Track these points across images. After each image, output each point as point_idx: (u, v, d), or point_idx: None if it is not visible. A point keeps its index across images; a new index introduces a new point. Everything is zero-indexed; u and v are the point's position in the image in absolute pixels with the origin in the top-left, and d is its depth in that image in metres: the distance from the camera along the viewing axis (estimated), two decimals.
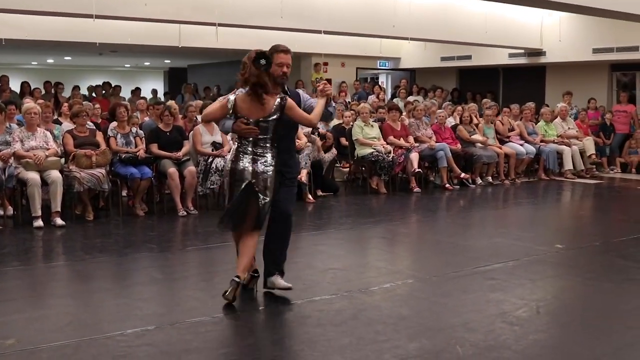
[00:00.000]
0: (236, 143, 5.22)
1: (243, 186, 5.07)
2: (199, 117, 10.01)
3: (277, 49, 5.20)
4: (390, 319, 4.75)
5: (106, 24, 12.65)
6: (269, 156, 5.12)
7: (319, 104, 5.33)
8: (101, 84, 17.26)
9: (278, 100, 5.10)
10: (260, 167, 5.08)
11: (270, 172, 5.10)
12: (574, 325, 4.80)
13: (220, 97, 5.54)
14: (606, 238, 7.83)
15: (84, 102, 11.09)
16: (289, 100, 5.17)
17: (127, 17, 11.76)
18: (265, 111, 5.07)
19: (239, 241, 5.23)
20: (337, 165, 11.94)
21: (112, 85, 16.99)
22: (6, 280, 5.90)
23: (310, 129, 10.20)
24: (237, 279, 4.97)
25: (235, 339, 4.52)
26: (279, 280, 5.32)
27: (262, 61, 4.98)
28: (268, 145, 5.14)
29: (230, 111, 5.10)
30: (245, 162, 5.10)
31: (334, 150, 11.01)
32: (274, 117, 5.10)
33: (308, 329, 4.69)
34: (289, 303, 5.17)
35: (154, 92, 18.98)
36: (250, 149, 5.12)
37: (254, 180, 5.05)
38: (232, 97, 5.14)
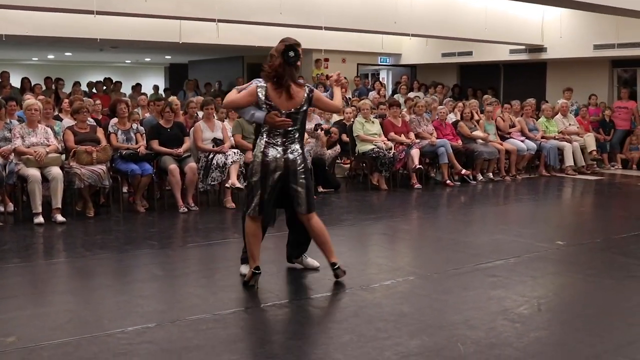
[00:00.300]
0: (264, 135, 5.26)
1: (277, 177, 5.22)
2: (200, 113, 10.00)
3: (287, 43, 5.31)
4: (391, 316, 4.74)
5: (107, 19, 12.63)
6: (297, 146, 5.30)
7: (337, 92, 5.61)
8: (102, 79, 17.23)
9: (307, 91, 5.30)
10: (291, 156, 5.25)
11: (301, 161, 5.29)
12: (575, 322, 4.79)
13: (238, 87, 5.53)
14: (607, 235, 7.81)
15: (84, 98, 11.08)
16: (316, 91, 5.42)
17: (127, 13, 11.74)
18: (295, 103, 5.24)
19: (255, 234, 5.34)
20: (337, 161, 11.93)
21: (113, 81, 16.97)
22: (7, 277, 5.90)
23: (313, 126, 10.22)
24: (335, 266, 5.44)
25: (237, 336, 4.51)
26: (308, 260, 5.86)
27: (291, 53, 5.13)
28: (297, 136, 5.31)
29: (263, 99, 5.16)
30: (276, 153, 5.23)
31: (337, 147, 10.99)
32: (304, 108, 5.31)
33: (309, 326, 4.70)
34: (290, 300, 5.17)
35: (156, 88, 18.94)
36: (280, 140, 5.25)
37: (287, 170, 5.22)
38: (262, 85, 5.20)
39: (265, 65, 5.28)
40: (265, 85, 5.22)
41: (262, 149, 5.24)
